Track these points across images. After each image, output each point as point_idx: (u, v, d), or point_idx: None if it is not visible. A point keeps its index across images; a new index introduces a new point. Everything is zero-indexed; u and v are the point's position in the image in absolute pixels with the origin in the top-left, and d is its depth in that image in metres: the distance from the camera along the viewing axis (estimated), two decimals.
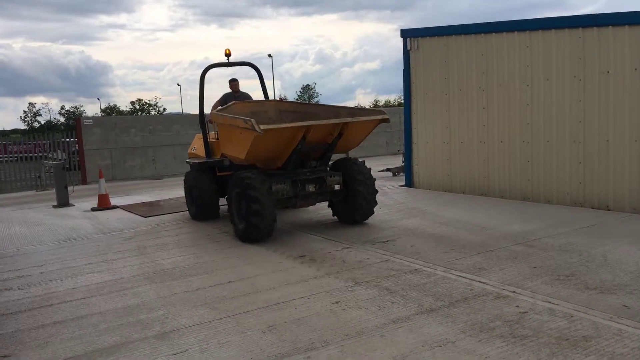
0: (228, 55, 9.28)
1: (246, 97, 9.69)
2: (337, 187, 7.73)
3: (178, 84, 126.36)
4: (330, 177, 7.73)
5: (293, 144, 7.08)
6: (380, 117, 7.61)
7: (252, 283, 5.61)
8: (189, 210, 9.62)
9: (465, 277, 5.42)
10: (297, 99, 65.69)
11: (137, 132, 19.09)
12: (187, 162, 9.87)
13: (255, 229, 7.09)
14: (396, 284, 5.33)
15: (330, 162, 8.14)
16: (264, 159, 7.48)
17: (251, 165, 7.67)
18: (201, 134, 9.49)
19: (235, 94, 9.70)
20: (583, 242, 6.51)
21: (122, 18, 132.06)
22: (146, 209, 10.97)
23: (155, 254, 7.14)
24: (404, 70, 11.85)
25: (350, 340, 4.06)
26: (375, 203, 8.07)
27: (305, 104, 8.77)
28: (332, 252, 6.70)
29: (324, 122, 7.22)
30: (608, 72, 8.26)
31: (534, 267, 5.61)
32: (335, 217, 8.45)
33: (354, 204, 7.90)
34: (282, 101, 8.87)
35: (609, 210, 8.36)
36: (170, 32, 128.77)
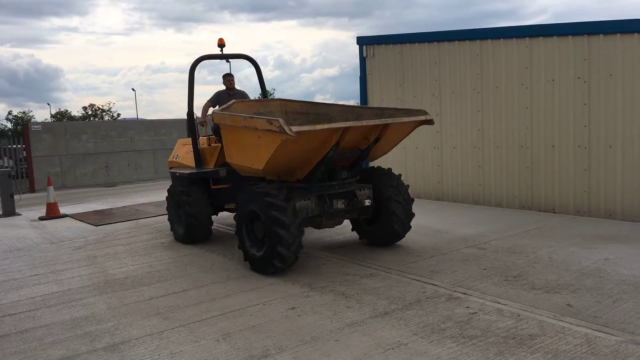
0: (221, 45, 8.03)
1: (243, 95, 8.37)
2: (367, 202, 6.52)
3: (133, 89, 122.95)
4: (361, 190, 6.53)
5: (323, 150, 5.75)
6: (423, 117, 6.29)
7: (207, 291, 5.54)
8: (173, 231, 8.10)
9: (418, 280, 5.52)
10: None
11: (89, 139, 18.54)
12: (172, 173, 8.33)
13: (279, 259, 5.74)
14: (352, 289, 5.37)
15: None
16: (285, 169, 6.17)
17: (260, 176, 6.44)
18: (186, 140, 8.36)
19: (229, 92, 8.30)
20: (530, 244, 6.76)
21: (74, 21, 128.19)
22: (98, 218, 10.66)
23: (106, 263, 6.94)
24: (361, 77, 12.02)
25: (305, 345, 4.06)
26: (410, 227, 6.83)
27: (316, 104, 7.53)
28: None
29: (365, 123, 5.91)
30: (553, 80, 8.63)
31: (484, 269, 5.78)
32: (357, 236, 7.30)
33: (386, 225, 6.68)
34: (289, 100, 7.69)
35: (554, 212, 8.71)
36: (125, 36, 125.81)
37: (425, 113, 6.37)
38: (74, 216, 10.99)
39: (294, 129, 5.24)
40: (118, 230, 9.27)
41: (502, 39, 9.30)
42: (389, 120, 6.02)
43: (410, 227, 6.80)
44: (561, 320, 4.30)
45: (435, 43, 10.43)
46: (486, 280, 5.42)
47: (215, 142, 7.65)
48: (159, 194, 14.24)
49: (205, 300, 5.24)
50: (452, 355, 3.77)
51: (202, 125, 7.86)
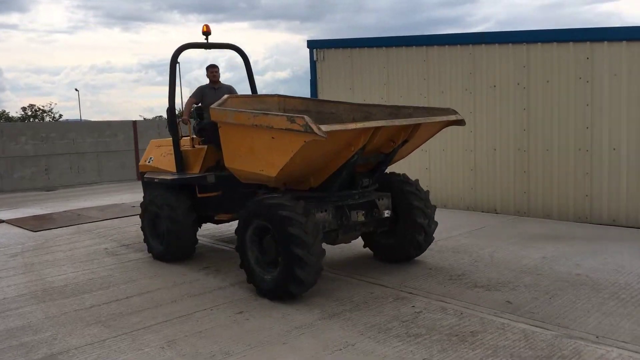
0: (206, 33, 7.08)
1: (230, 90, 7.28)
2: (387, 213, 5.77)
3: (76, 89, 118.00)
4: (380, 200, 5.78)
5: (348, 154, 5.00)
6: (454, 117, 5.58)
7: (152, 297, 5.39)
8: (149, 247, 6.97)
9: (366, 281, 5.59)
10: None
11: (28, 140, 17.65)
12: (148, 179, 7.17)
13: (297, 284, 4.90)
14: None
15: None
16: (299, 176, 5.37)
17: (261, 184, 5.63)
18: (161, 140, 7.52)
19: (214, 86, 7.27)
20: (473, 244, 6.99)
21: (13, 18, 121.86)
22: (36, 223, 10.17)
23: (45, 270, 6.63)
24: (311, 80, 12.08)
25: (252, 350, 4.03)
26: (433, 238, 6.16)
27: (320, 101, 6.79)
28: (237, 263, 6.60)
29: (399, 122, 5.17)
30: (495, 86, 8.97)
31: (430, 269, 5.93)
32: (368, 249, 6.48)
33: (407, 237, 5.92)
34: (288, 97, 6.86)
35: (496, 213, 9.04)
36: (69, 34, 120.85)
37: (454, 112, 5.66)
38: (10, 222, 10.44)
39: (327, 128, 4.47)
40: (58, 236, 8.88)
41: (447, 46, 9.59)
42: (423, 120, 5.33)
43: (433, 238, 6.10)
44: (501, 317, 4.47)
45: (384, 48, 10.62)
46: (431, 279, 5.55)
47: (199, 144, 6.85)
48: (102, 198, 13.77)
49: (149, 306, 5.10)
50: (398, 354, 3.84)
51: (185, 124, 7.00)
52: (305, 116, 4.50)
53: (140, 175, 7.64)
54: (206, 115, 6.79)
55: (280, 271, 4.96)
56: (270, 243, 5.13)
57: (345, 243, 5.99)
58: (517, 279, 5.47)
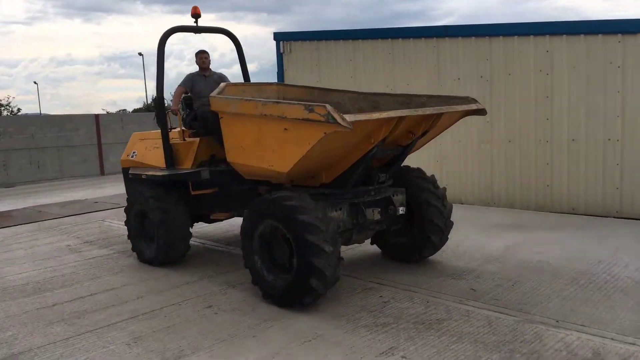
0: (196, 16, 6.47)
1: (222, 79, 6.71)
2: (401, 210, 5.37)
3: (35, 82, 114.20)
4: (395, 195, 5.39)
5: (366, 146, 4.59)
6: (475, 106, 5.21)
7: (117, 294, 5.29)
8: (137, 251, 6.46)
9: None
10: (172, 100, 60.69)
11: None
12: (134, 176, 6.61)
13: (312, 294, 4.49)
14: None
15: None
16: (312, 171, 4.96)
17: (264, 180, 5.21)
18: (145, 133, 7.01)
19: (204, 73, 6.67)
20: None
21: None
22: None
23: (4, 269, 6.42)
24: (278, 73, 12.00)
25: (221, 343, 4.01)
26: (447, 238, 5.79)
27: (323, 90, 6.26)
28: (206, 256, 6.57)
29: (420, 112, 4.70)
30: (459, 79, 9.12)
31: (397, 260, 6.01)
32: (377, 249, 6.13)
33: (422, 237, 5.58)
34: (288, 85, 6.48)
35: (462, 204, 9.22)
36: (27, 25, 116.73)
37: (475, 101, 5.27)
38: None
39: (352, 118, 4.05)
40: (18, 233, 8.60)
41: (412, 39, 9.68)
42: (447, 109, 4.93)
43: (447, 238, 5.77)
44: (466, 304, 4.58)
45: (351, 41, 10.65)
46: (399, 270, 5.63)
47: (190, 136, 6.33)
48: (64, 194, 13.40)
49: (115, 303, 5.01)
50: (366, 343, 3.89)
51: (175, 114, 6.51)
52: (326, 105, 4.06)
53: (123, 171, 7.06)
54: (196, 104, 6.50)
55: (293, 279, 4.50)
56: (282, 246, 4.68)
57: (359, 243, 5.63)
58: (482, 267, 5.60)
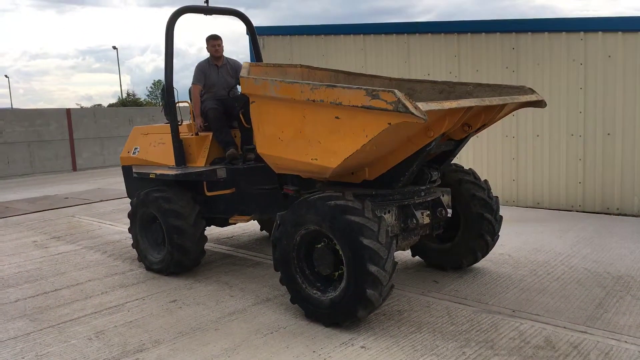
0: None
1: (237, 67, 6.15)
2: (449, 212, 4.85)
3: (6, 76, 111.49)
4: (443, 196, 4.89)
5: (422, 141, 4.03)
6: (535, 97, 4.62)
7: (82, 289, 5.26)
8: (144, 260, 5.78)
9: None
10: (148, 95, 59.84)
11: None
12: (139, 175, 5.93)
13: (366, 305, 3.94)
14: (236, 278, 5.40)
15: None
16: (357, 167, 4.36)
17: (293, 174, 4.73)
18: (147, 127, 6.48)
19: (217, 63, 6.09)
20: None
21: None
22: None
23: None
24: None
25: (183, 337, 4.03)
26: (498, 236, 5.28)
27: (352, 75, 5.62)
28: None
29: (487, 101, 4.13)
30: (429, 74, 9.23)
31: None
32: (420, 259, 5.60)
33: (473, 237, 5.08)
34: (315, 68, 5.79)
35: None
36: None
37: (533, 91, 4.68)
38: None
39: (427, 107, 3.50)
40: None
41: (383, 35, 9.77)
42: (511, 100, 4.40)
43: (499, 236, 5.27)
44: (427, 296, 4.68)
45: (323, 36, 10.69)
46: None
47: (202, 130, 5.84)
48: (34, 190, 13.18)
49: (79, 298, 4.99)
50: (326, 334, 3.96)
51: (202, 130, 5.85)
52: (396, 90, 3.48)
53: (123, 170, 6.50)
54: (203, 97, 6.00)
55: (345, 290, 3.94)
56: (326, 255, 4.12)
57: (403, 250, 4.96)
58: None
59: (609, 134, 7.64)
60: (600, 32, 7.53)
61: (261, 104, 4.31)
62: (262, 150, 4.47)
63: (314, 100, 3.84)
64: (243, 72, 4.55)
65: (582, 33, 7.67)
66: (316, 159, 4.03)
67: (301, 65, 5.67)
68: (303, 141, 4.07)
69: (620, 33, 7.38)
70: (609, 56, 7.50)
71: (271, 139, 4.32)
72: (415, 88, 5.19)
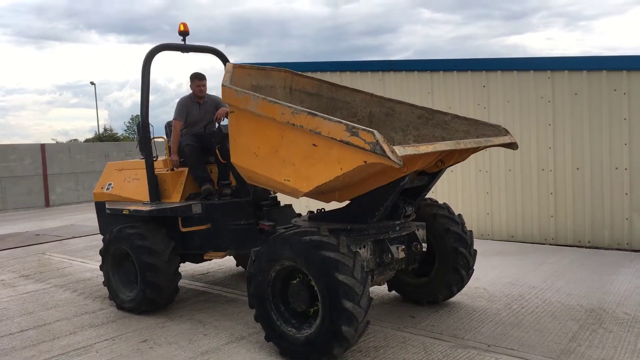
0: (184, 33, 5.93)
1: (218, 104, 6.10)
2: (424, 247, 4.84)
3: None
4: (417, 230, 4.86)
5: (395, 174, 4.00)
6: (509, 139, 4.73)
7: (49, 330, 5.09)
8: (116, 298, 5.61)
9: None
10: (125, 130, 59.39)
11: None
12: (112, 211, 5.91)
13: (342, 342, 3.86)
14: (210, 316, 5.30)
15: None
16: (327, 190, 4.31)
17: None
18: (121, 163, 6.46)
19: (198, 101, 6.08)
20: None
21: None
22: None
23: None
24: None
25: None
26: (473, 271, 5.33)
27: (335, 86, 5.59)
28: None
29: (463, 145, 4.19)
30: None
31: None
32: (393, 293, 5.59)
33: (446, 274, 5.09)
34: (298, 74, 5.63)
35: None
36: None
37: (507, 132, 4.76)
38: None
39: (399, 151, 3.46)
40: None
41: (359, 72, 10.00)
42: (492, 142, 4.47)
43: (473, 270, 5.30)
44: (403, 331, 4.65)
45: (310, 73, 10.84)
46: None
47: (176, 166, 5.85)
48: (4, 227, 12.85)
49: (46, 339, 4.82)
50: None
51: (176, 167, 5.82)
52: (375, 132, 3.44)
53: (96, 206, 6.39)
54: (184, 131, 6.02)
55: (320, 327, 3.89)
56: (301, 292, 4.06)
57: (379, 285, 4.92)
58: None
59: (578, 169, 7.86)
60: (566, 71, 7.84)
61: (240, 116, 4.25)
62: (236, 161, 4.43)
63: (293, 124, 3.81)
64: (225, 81, 4.40)
65: (549, 72, 7.97)
66: (289, 180, 4.00)
67: (285, 70, 5.59)
68: (278, 160, 4.03)
69: (585, 72, 7.70)
70: (576, 94, 7.79)
71: (246, 152, 4.26)
72: (395, 109, 5.18)
